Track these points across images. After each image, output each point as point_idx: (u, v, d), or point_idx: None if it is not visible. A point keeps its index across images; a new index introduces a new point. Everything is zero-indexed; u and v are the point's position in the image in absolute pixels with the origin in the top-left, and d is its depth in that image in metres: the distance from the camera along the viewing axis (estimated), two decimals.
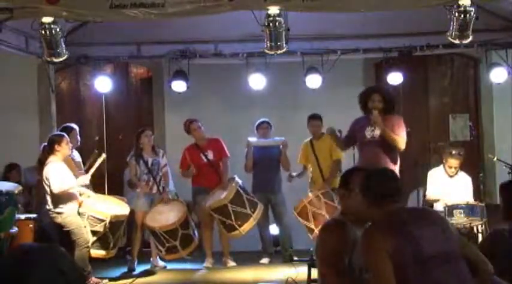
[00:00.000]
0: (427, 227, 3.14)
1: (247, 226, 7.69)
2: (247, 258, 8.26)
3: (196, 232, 7.85)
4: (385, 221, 3.19)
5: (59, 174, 6.78)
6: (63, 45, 7.11)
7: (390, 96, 6.83)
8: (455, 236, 3.26)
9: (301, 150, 8.27)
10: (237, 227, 7.64)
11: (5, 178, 8.22)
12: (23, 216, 7.14)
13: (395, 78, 8.84)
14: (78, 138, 7.59)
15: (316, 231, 7.45)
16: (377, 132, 6.61)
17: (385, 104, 6.66)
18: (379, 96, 6.67)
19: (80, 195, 7.05)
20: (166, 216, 7.67)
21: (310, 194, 7.70)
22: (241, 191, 7.75)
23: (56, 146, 6.87)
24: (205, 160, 8.11)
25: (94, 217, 7.01)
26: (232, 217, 7.62)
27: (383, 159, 6.53)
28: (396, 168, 6.52)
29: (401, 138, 6.62)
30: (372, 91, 6.84)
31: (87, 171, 7.29)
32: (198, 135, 8.16)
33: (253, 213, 7.72)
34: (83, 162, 7.70)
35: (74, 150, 7.44)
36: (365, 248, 3.13)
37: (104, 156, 7.36)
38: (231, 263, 8.05)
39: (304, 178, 8.29)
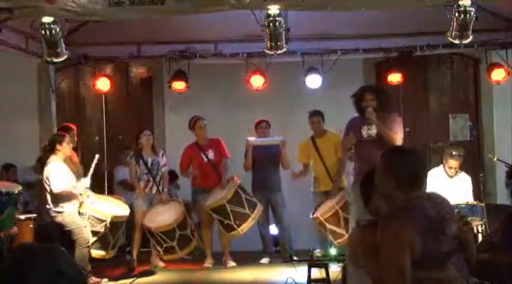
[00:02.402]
0: (448, 222, 2.98)
1: (245, 226, 7.67)
2: (247, 258, 8.26)
3: (195, 233, 7.84)
4: (410, 210, 2.95)
5: (60, 173, 6.78)
6: (63, 45, 7.10)
7: (383, 95, 6.79)
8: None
9: (301, 149, 8.21)
10: (236, 227, 7.63)
11: (1, 179, 8.20)
12: (23, 216, 7.14)
13: (395, 78, 8.84)
14: (75, 138, 7.59)
15: (347, 236, 7.35)
16: (373, 131, 6.58)
17: (379, 102, 6.59)
18: (371, 95, 6.64)
19: (80, 194, 7.04)
20: (163, 217, 7.67)
21: (335, 199, 7.56)
22: (240, 191, 7.73)
23: (57, 145, 6.89)
24: (205, 159, 8.11)
25: (95, 218, 7.02)
26: (231, 217, 7.61)
27: (379, 156, 6.50)
28: None
29: (396, 135, 6.53)
30: (363, 91, 6.80)
31: (85, 174, 7.29)
32: (201, 134, 8.16)
33: (251, 212, 7.70)
34: (82, 162, 7.70)
35: None
36: (385, 236, 2.88)
37: (96, 156, 7.37)
38: (231, 263, 8.04)
39: (306, 178, 8.26)
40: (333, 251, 7.15)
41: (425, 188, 3.08)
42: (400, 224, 2.90)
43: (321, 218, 7.53)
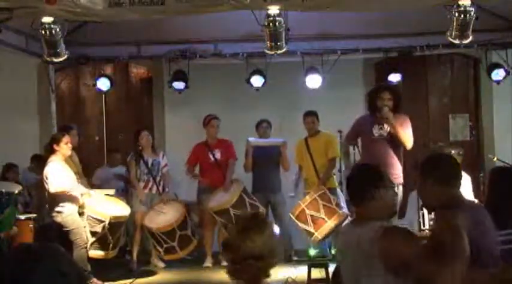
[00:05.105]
0: (488, 224, 3.08)
1: None
2: None
3: (195, 233, 7.84)
4: (459, 203, 3.11)
5: (58, 173, 6.76)
6: (63, 45, 7.10)
7: (399, 95, 6.71)
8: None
9: (296, 150, 8.21)
10: None
11: (3, 178, 8.21)
12: (23, 216, 7.13)
13: (395, 78, 8.84)
14: (77, 138, 7.59)
15: (317, 234, 7.27)
16: (385, 130, 6.50)
17: (394, 102, 6.51)
18: (389, 94, 6.53)
19: (81, 195, 7.02)
20: (164, 217, 7.68)
21: (307, 197, 7.46)
22: (244, 195, 7.73)
23: (54, 145, 6.85)
24: (212, 159, 8.14)
25: (93, 218, 6.99)
26: (234, 221, 7.58)
27: (390, 156, 6.44)
28: (401, 166, 6.50)
29: (410, 137, 6.49)
30: (383, 89, 6.72)
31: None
32: (212, 133, 8.21)
33: None
34: (81, 161, 7.72)
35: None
36: (444, 227, 2.75)
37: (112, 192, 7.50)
38: None
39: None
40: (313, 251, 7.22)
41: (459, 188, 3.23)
42: (454, 213, 2.93)
43: (292, 217, 7.46)
